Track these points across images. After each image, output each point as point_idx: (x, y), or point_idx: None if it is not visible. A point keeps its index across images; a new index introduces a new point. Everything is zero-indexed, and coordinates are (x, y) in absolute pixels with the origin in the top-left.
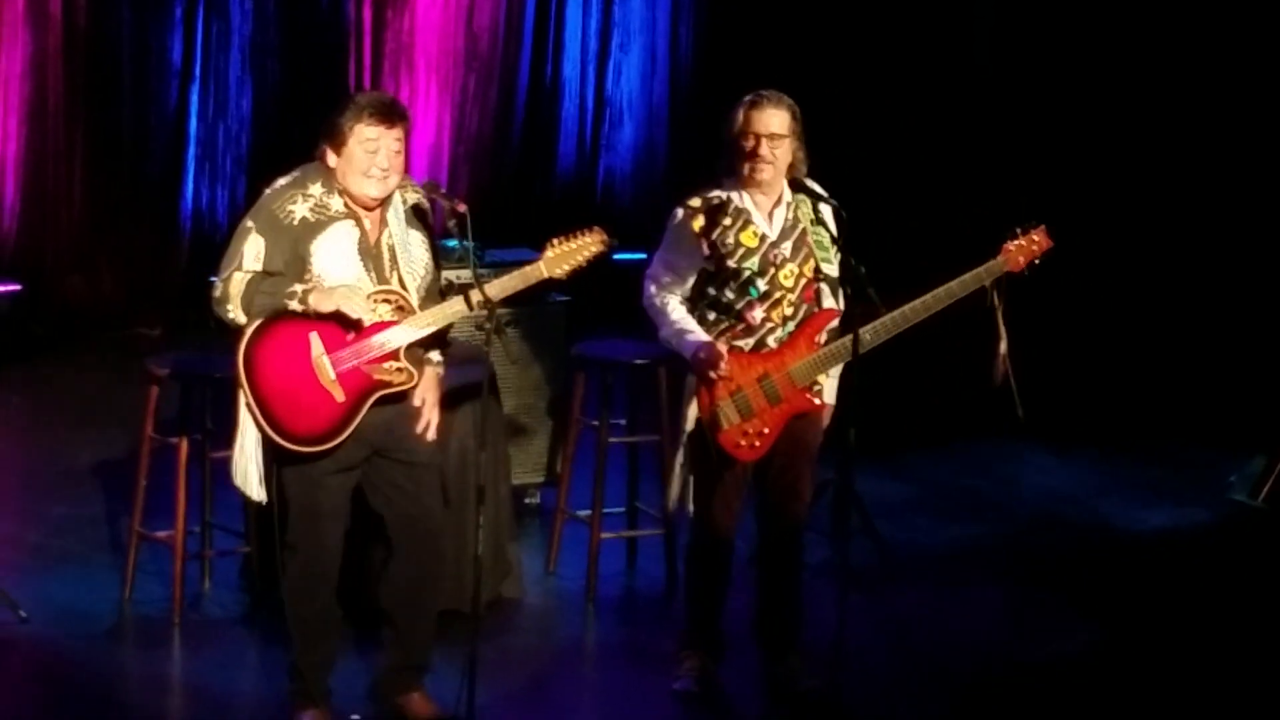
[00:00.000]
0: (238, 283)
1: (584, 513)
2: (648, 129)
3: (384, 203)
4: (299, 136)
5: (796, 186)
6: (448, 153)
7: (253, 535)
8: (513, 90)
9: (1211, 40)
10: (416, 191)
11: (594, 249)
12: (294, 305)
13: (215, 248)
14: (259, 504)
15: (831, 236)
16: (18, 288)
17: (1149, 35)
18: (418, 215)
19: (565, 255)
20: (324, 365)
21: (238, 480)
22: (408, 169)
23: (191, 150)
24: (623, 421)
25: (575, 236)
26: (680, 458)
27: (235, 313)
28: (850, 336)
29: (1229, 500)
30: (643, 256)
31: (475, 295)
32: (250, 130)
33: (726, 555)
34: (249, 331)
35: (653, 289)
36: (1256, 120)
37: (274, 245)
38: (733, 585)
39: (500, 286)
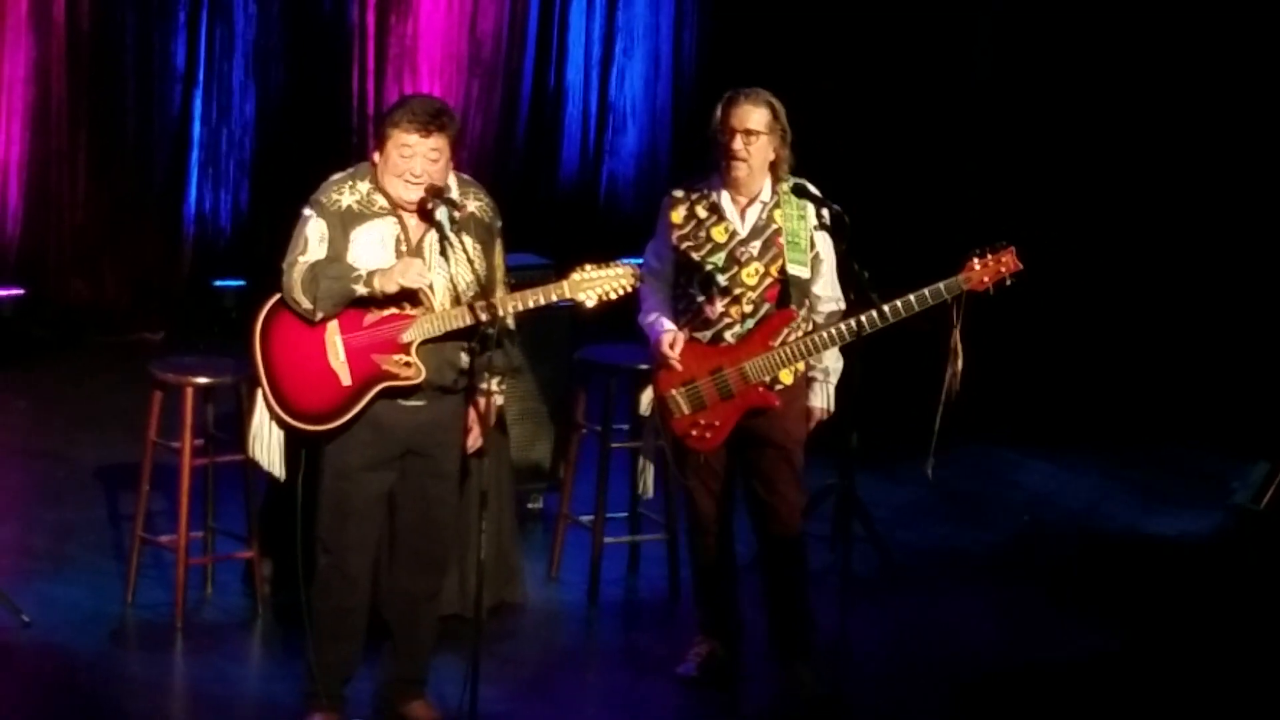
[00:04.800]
0: (299, 270)
1: (587, 518)
2: (651, 134)
3: (436, 203)
4: (302, 141)
5: (800, 191)
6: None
7: (261, 538)
8: (516, 95)
9: (1211, 44)
10: (480, 199)
11: (624, 282)
12: (360, 289)
13: (218, 252)
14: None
15: (809, 241)
16: (21, 291)
17: (1146, 39)
18: (476, 224)
19: (592, 282)
20: (336, 345)
21: (256, 454)
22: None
23: (195, 154)
24: (625, 426)
25: (607, 266)
26: (643, 446)
27: (305, 301)
28: (807, 338)
29: (1231, 506)
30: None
31: (480, 310)
32: (253, 135)
33: (714, 538)
34: (270, 302)
35: (644, 274)
36: (1257, 125)
37: (331, 228)
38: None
39: (520, 300)
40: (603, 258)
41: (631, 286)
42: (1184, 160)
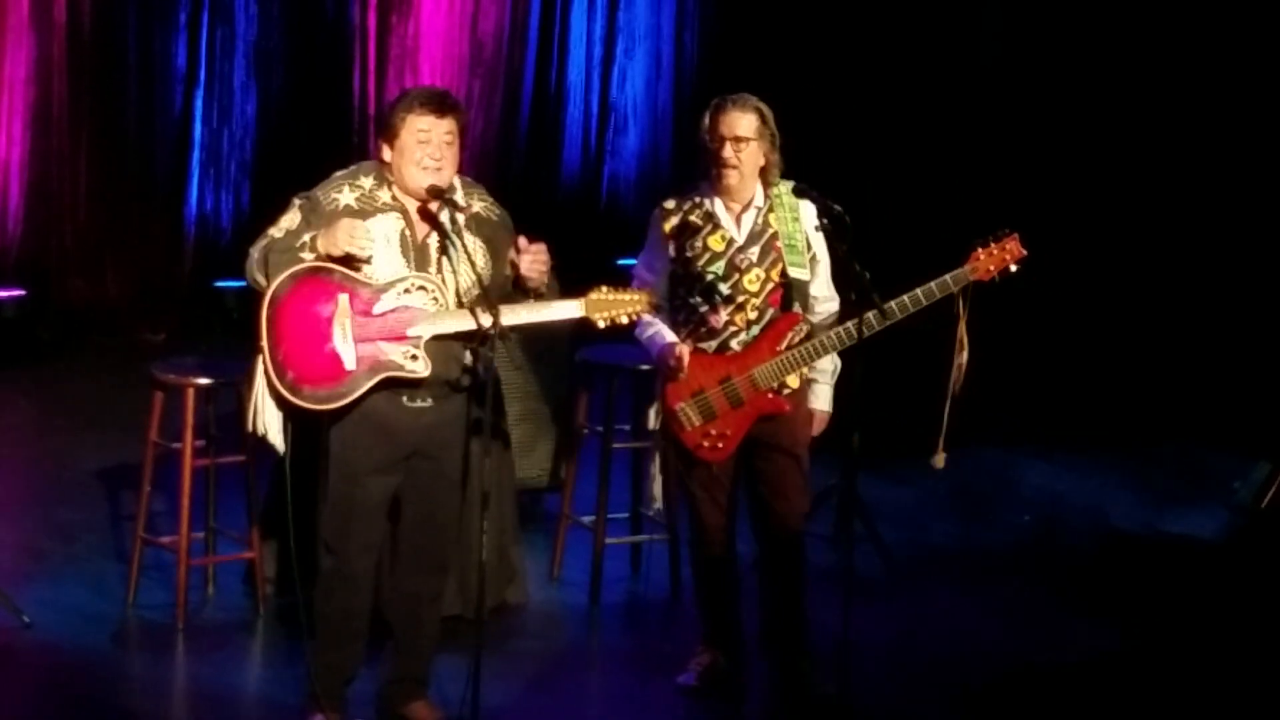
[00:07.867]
0: (257, 248)
1: (588, 518)
2: (652, 135)
3: (439, 205)
4: (303, 141)
5: (800, 193)
6: None
7: (262, 538)
8: (517, 96)
9: (1215, 43)
10: (484, 200)
11: (636, 309)
12: (306, 256)
13: (220, 252)
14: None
15: (805, 243)
16: (22, 292)
17: (1151, 39)
18: (481, 223)
19: (608, 304)
20: (344, 327)
21: (258, 429)
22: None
23: (196, 155)
24: (626, 427)
25: (622, 290)
26: (656, 460)
27: (259, 276)
28: (814, 341)
29: (1233, 506)
30: None
31: (483, 316)
32: (254, 135)
33: (722, 553)
34: (283, 275)
35: (634, 286)
36: (1260, 122)
37: (306, 225)
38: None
39: (532, 313)
40: (603, 258)
41: (644, 312)
42: (1186, 158)
